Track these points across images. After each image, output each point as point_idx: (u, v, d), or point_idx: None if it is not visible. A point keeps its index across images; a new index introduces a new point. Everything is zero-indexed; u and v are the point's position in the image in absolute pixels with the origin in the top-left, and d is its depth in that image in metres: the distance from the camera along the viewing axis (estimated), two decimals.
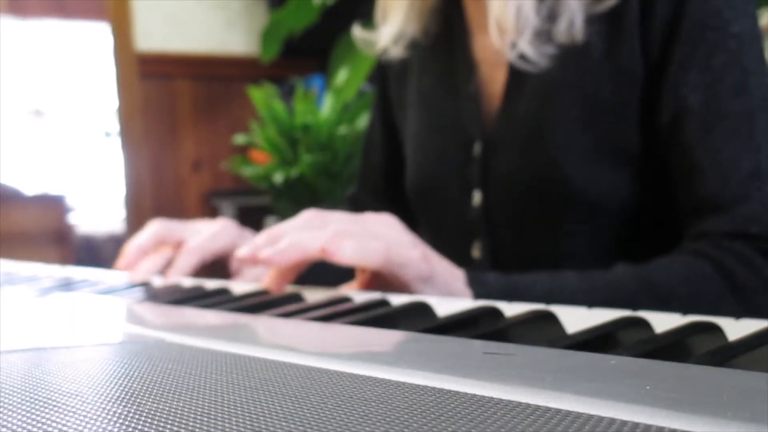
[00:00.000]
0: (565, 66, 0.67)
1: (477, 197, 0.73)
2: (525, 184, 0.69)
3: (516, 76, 0.70)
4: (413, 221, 0.81)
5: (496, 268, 0.72)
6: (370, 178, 0.90)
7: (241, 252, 0.51)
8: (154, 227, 0.69)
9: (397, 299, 0.44)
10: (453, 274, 0.52)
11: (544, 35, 0.67)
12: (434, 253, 0.52)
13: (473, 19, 0.76)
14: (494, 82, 0.74)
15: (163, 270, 0.66)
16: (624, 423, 0.17)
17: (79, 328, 0.38)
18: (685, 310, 0.34)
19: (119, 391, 0.23)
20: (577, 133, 0.67)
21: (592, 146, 0.66)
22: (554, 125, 0.68)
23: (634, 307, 0.36)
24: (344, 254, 0.47)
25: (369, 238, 0.49)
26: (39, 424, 0.19)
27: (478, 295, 0.52)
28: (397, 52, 0.80)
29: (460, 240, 0.75)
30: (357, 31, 0.83)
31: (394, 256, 0.48)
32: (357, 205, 0.90)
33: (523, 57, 0.68)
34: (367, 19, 0.83)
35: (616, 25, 0.65)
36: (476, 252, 0.74)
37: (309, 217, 0.53)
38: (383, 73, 0.88)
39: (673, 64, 0.63)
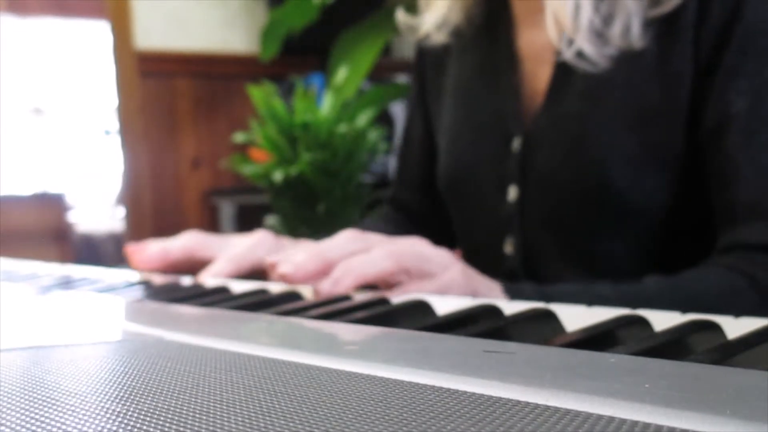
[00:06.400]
0: (615, 66, 0.65)
1: (513, 192, 0.72)
2: (565, 182, 0.68)
3: (562, 74, 0.69)
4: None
5: (527, 266, 0.72)
6: (411, 175, 0.88)
7: (287, 271, 0.49)
8: (188, 238, 0.64)
9: (396, 297, 0.44)
10: (490, 285, 0.52)
11: (602, 36, 0.65)
12: (469, 266, 0.52)
13: (519, 13, 0.75)
14: (538, 78, 0.73)
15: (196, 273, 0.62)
16: (623, 421, 0.17)
17: (79, 326, 0.38)
18: None
19: (118, 389, 0.23)
20: (623, 134, 0.65)
21: (637, 149, 0.65)
22: (599, 126, 0.66)
23: None
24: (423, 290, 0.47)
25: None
26: (38, 423, 0.19)
27: None
28: (439, 38, 0.79)
29: (492, 235, 0.74)
30: (400, 15, 0.82)
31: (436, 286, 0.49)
32: (397, 206, 0.89)
33: (581, 55, 0.66)
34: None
35: (670, 27, 0.64)
36: (508, 248, 0.73)
37: (350, 236, 0.51)
38: (422, 62, 0.87)
39: (722, 68, 0.62)
